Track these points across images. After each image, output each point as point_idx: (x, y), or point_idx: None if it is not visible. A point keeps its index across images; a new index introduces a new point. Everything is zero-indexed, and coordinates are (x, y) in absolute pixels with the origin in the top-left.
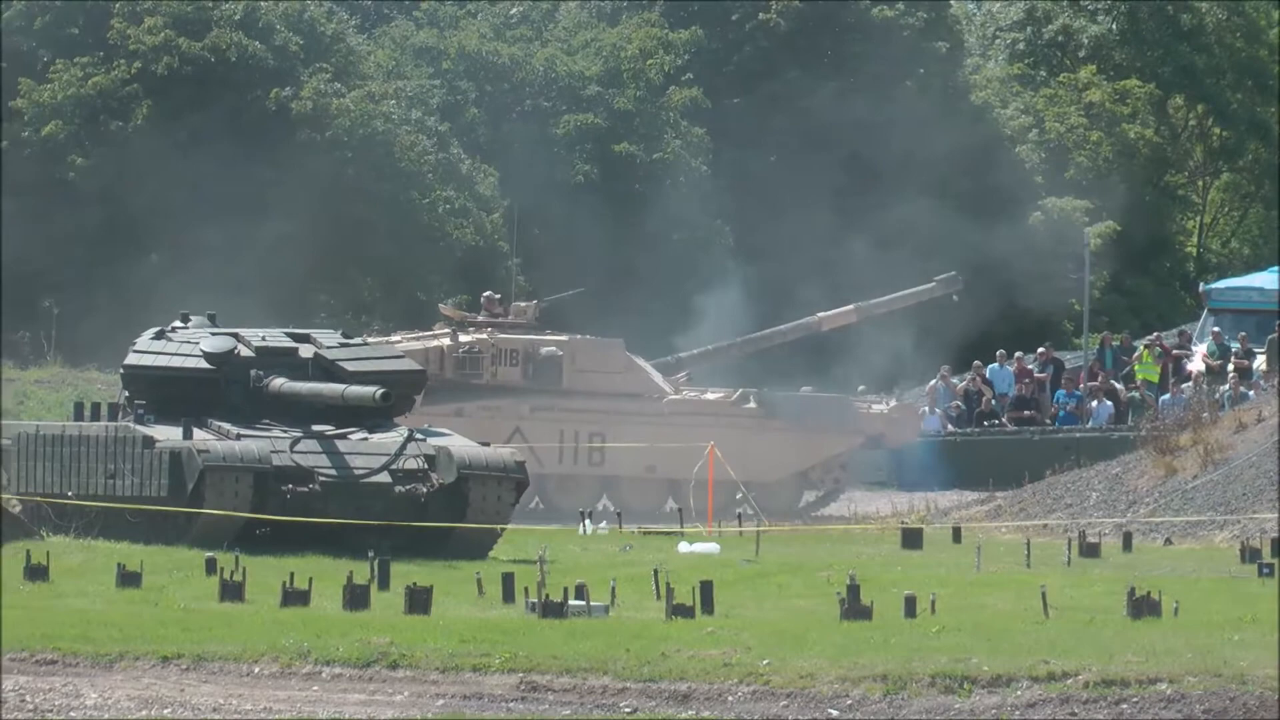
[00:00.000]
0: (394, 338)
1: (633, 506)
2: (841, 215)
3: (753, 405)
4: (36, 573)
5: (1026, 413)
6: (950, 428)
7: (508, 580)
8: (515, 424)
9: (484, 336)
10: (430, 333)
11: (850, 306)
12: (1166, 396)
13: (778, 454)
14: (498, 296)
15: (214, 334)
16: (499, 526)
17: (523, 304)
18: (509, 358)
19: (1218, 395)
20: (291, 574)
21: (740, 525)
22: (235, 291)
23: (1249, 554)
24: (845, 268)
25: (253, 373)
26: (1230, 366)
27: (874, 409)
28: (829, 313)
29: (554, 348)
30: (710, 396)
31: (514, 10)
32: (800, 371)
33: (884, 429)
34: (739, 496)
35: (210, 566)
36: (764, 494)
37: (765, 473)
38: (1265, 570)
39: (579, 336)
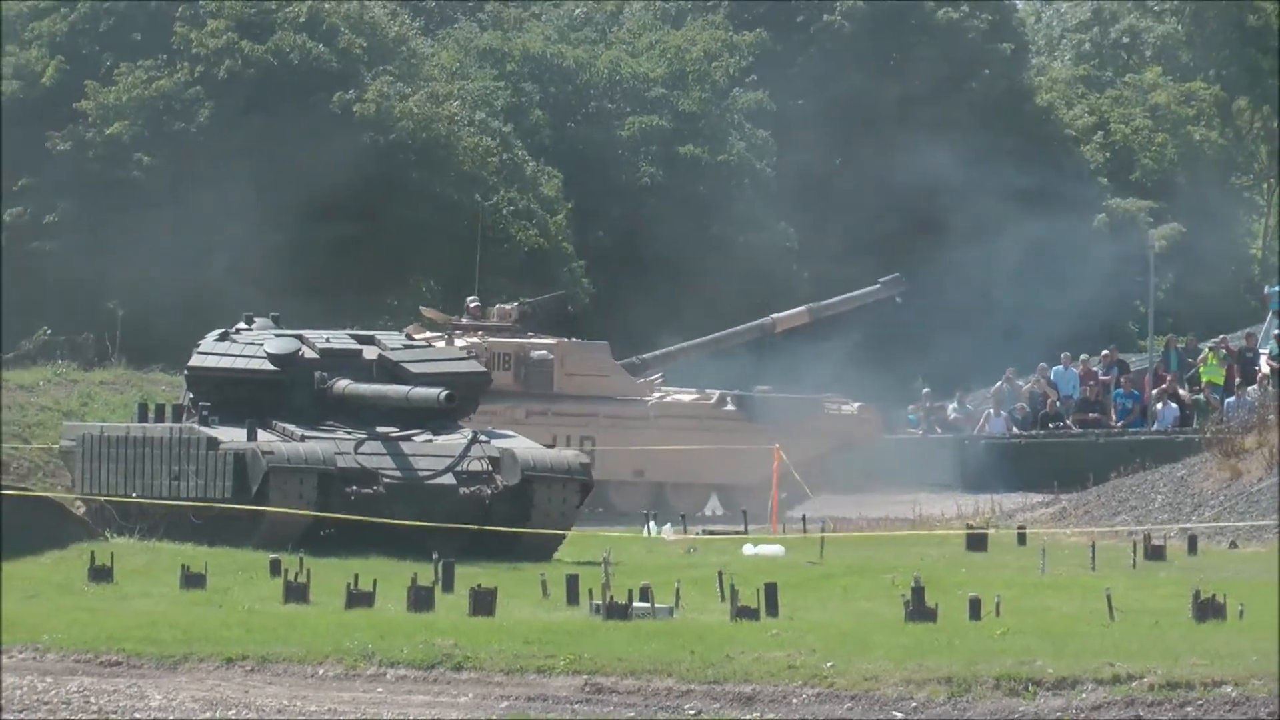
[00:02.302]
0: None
1: (621, 509)
2: (906, 217)
3: (731, 407)
4: (101, 574)
5: (1091, 415)
6: (1015, 430)
7: (572, 582)
8: (510, 429)
9: (476, 340)
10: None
11: (803, 308)
12: (1232, 399)
13: (756, 456)
14: (476, 302)
15: (278, 335)
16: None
17: (506, 306)
18: (501, 361)
19: None
20: (356, 575)
21: (805, 527)
22: (299, 293)
23: None
24: (909, 269)
25: (317, 374)
26: None
27: (843, 410)
28: (783, 314)
29: (545, 351)
30: (686, 398)
31: (578, 12)
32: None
33: (852, 430)
34: (710, 504)
35: (274, 568)
36: (744, 497)
37: (744, 475)
38: None
39: (567, 340)
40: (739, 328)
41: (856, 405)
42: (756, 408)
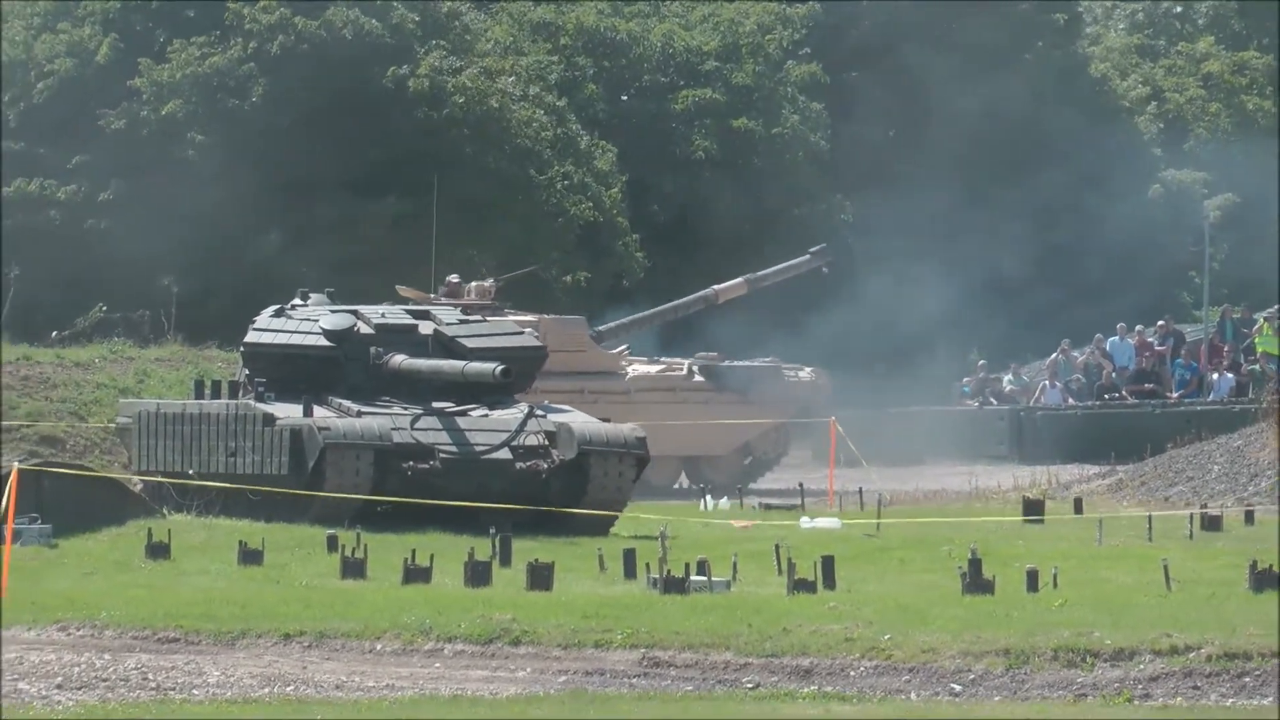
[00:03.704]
0: None
1: None
2: (961, 188)
3: (699, 378)
4: (158, 551)
5: (1147, 386)
6: (1071, 401)
7: (629, 556)
8: None
9: None
10: None
11: (740, 279)
12: None
13: (725, 426)
14: (456, 280)
15: (334, 311)
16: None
17: (485, 283)
18: None
19: None
20: (413, 551)
21: (861, 500)
22: (354, 269)
23: None
24: (964, 241)
25: (372, 350)
26: None
27: (799, 376)
28: (723, 285)
29: (528, 328)
30: (654, 369)
31: None
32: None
33: (809, 395)
34: (681, 476)
35: (331, 544)
36: (712, 467)
37: (715, 445)
38: None
39: (546, 316)
40: (685, 299)
41: (809, 370)
42: (723, 377)
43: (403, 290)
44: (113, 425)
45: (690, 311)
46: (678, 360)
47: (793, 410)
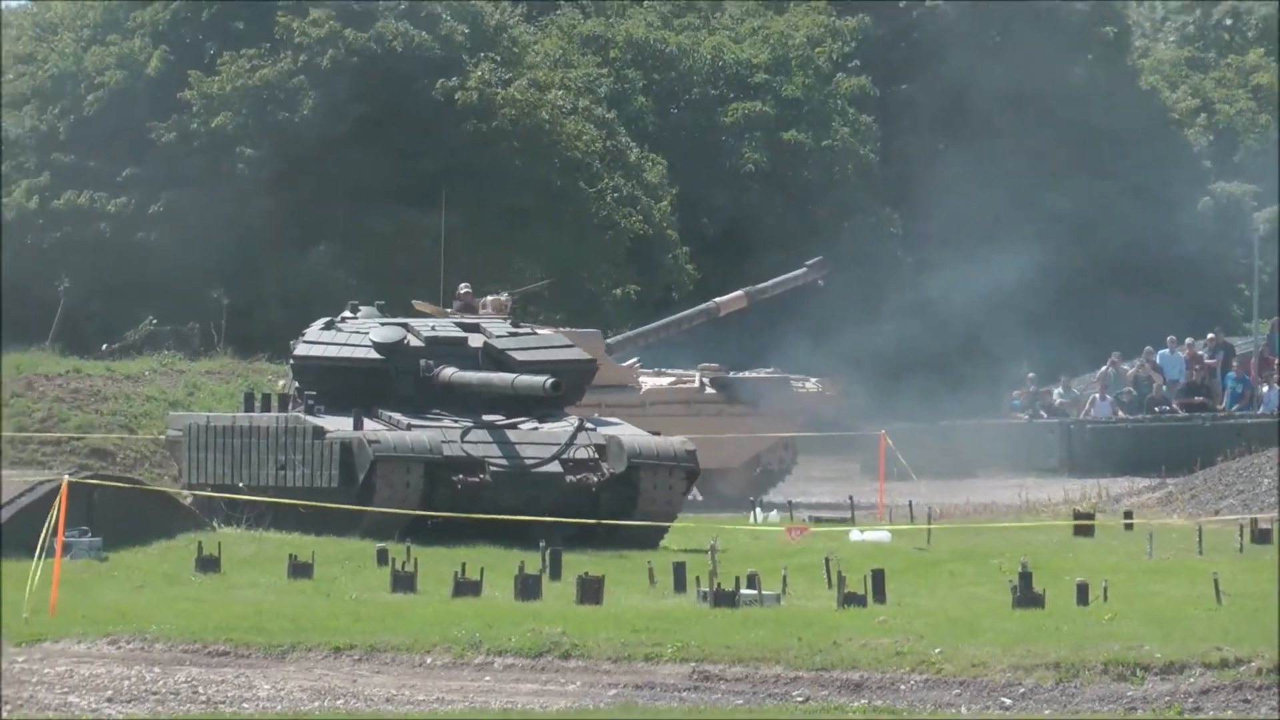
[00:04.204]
0: None
1: None
2: (1010, 200)
3: (711, 391)
4: (208, 564)
5: (1197, 399)
6: (1121, 414)
7: (679, 570)
8: None
9: None
10: None
11: (740, 292)
12: None
13: (738, 438)
14: (468, 290)
15: (383, 324)
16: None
17: (502, 297)
18: None
19: None
20: (463, 564)
21: (911, 513)
22: (404, 281)
23: None
24: (1013, 253)
25: (422, 362)
26: None
27: (807, 387)
28: (724, 298)
29: None
30: (665, 382)
31: None
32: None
33: (818, 406)
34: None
35: (381, 557)
36: (724, 480)
37: (729, 458)
38: None
39: (564, 329)
40: (687, 312)
41: (815, 381)
42: (735, 389)
43: (419, 304)
44: (162, 438)
45: (694, 324)
46: (688, 373)
47: (801, 421)
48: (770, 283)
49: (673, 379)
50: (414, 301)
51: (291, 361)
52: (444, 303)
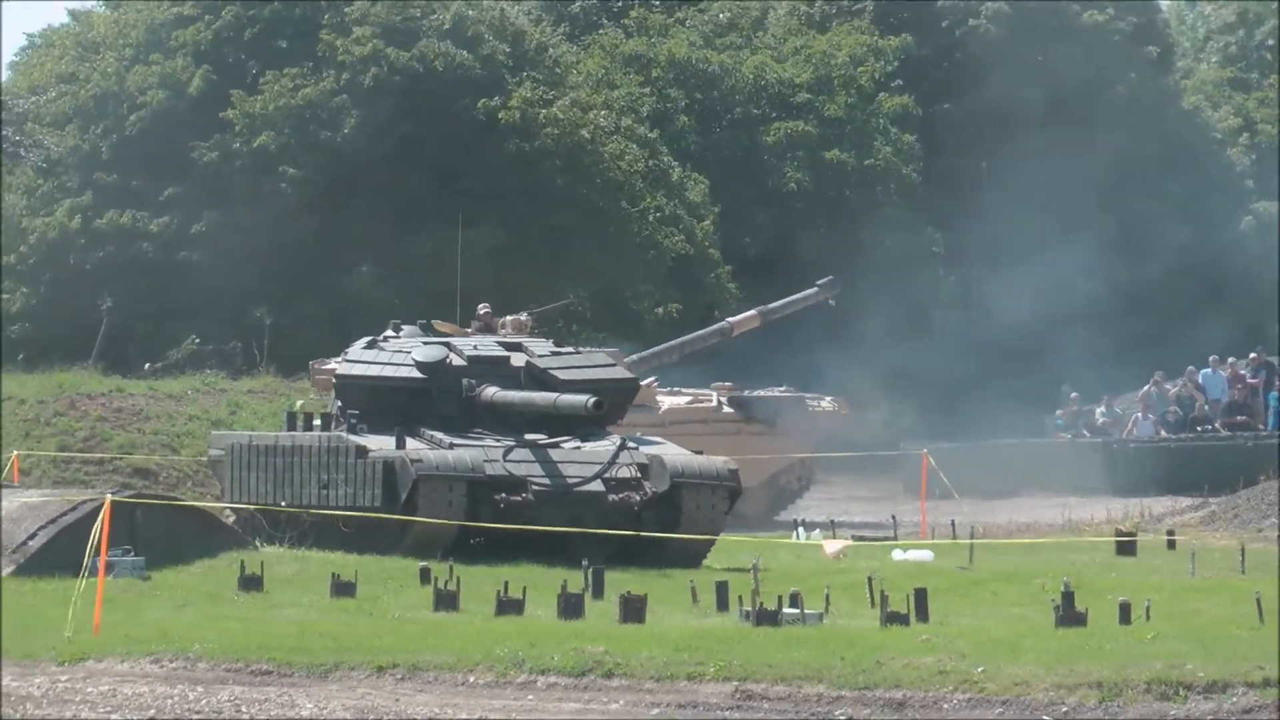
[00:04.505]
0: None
1: None
2: (1052, 220)
3: (729, 410)
4: (251, 583)
5: (1239, 418)
6: (1163, 434)
7: (722, 589)
8: None
9: None
10: None
11: (754, 311)
12: None
13: (757, 457)
14: (487, 310)
15: (426, 343)
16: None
17: (521, 317)
18: None
19: None
20: (505, 583)
21: (954, 532)
22: (446, 301)
23: None
24: (1055, 272)
25: (465, 382)
26: None
27: (821, 406)
28: (737, 318)
29: None
30: (683, 401)
31: (723, 17)
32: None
33: (832, 424)
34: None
35: (424, 576)
36: (744, 499)
37: (748, 477)
38: None
39: (583, 349)
40: (701, 331)
41: (829, 400)
42: (752, 408)
43: (439, 325)
44: (205, 458)
45: (708, 344)
46: (703, 392)
47: (817, 441)
48: (782, 302)
49: (689, 398)
50: (434, 322)
51: (334, 380)
52: (462, 322)
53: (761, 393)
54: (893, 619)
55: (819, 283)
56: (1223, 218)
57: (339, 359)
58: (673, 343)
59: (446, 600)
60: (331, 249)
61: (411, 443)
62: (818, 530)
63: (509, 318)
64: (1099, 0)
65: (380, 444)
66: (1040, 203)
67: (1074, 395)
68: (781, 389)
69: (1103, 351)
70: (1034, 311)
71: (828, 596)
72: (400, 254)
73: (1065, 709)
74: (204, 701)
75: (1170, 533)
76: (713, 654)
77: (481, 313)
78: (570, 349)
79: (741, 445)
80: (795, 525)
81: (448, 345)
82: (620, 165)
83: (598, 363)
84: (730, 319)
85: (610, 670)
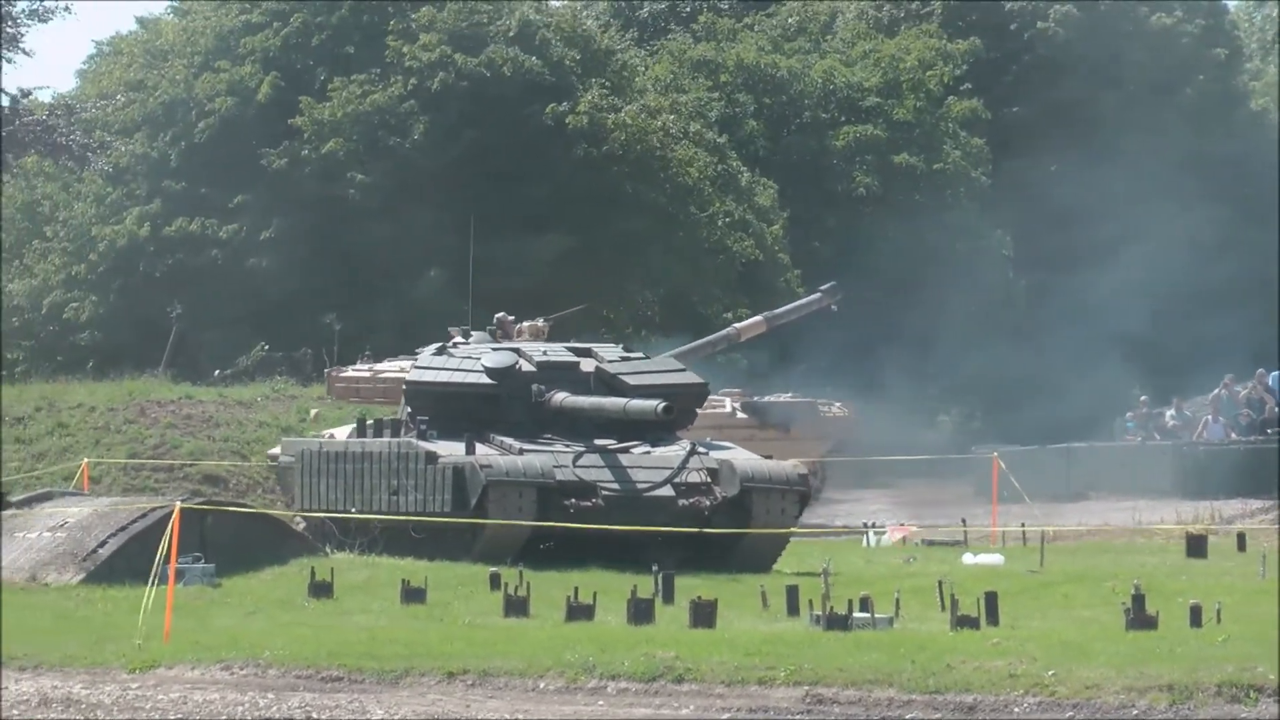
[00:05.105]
0: (399, 361)
1: None
2: (1122, 222)
3: (742, 415)
4: (321, 589)
5: None
6: (1234, 436)
7: (792, 593)
8: None
9: None
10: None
11: (760, 317)
12: None
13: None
14: (510, 318)
15: (495, 349)
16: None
17: (539, 323)
18: None
19: None
20: (575, 589)
21: (1024, 535)
22: (515, 307)
23: None
24: (1126, 275)
25: (534, 387)
26: None
27: (833, 411)
28: (743, 323)
29: None
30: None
31: (791, 21)
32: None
33: (843, 430)
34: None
35: (494, 582)
36: None
37: None
38: None
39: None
40: (711, 337)
41: (839, 405)
42: (766, 413)
43: (455, 331)
44: (271, 463)
45: (716, 350)
46: (716, 398)
47: (829, 445)
48: (786, 308)
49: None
50: (450, 328)
51: (404, 387)
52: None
53: (769, 398)
54: (963, 622)
55: (821, 289)
56: None
57: (355, 367)
58: (684, 348)
59: (517, 606)
60: (400, 255)
61: (481, 448)
62: (887, 534)
63: (525, 324)
64: (1167, 1)
65: (450, 450)
66: (1109, 205)
67: (1144, 398)
68: (788, 395)
69: (1173, 354)
70: (1104, 314)
71: (898, 600)
72: (468, 259)
73: (1136, 712)
74: (274, 708)
75: (1241, 535)
76: (783, 658)
77: (498, 319)
78: (639, 354)
79: (755, 450)
80: (865, 529)
81: (517, 351)
82: (689, 170)
83: (667, 367)
84: (737, 325)
85: (681, 675)
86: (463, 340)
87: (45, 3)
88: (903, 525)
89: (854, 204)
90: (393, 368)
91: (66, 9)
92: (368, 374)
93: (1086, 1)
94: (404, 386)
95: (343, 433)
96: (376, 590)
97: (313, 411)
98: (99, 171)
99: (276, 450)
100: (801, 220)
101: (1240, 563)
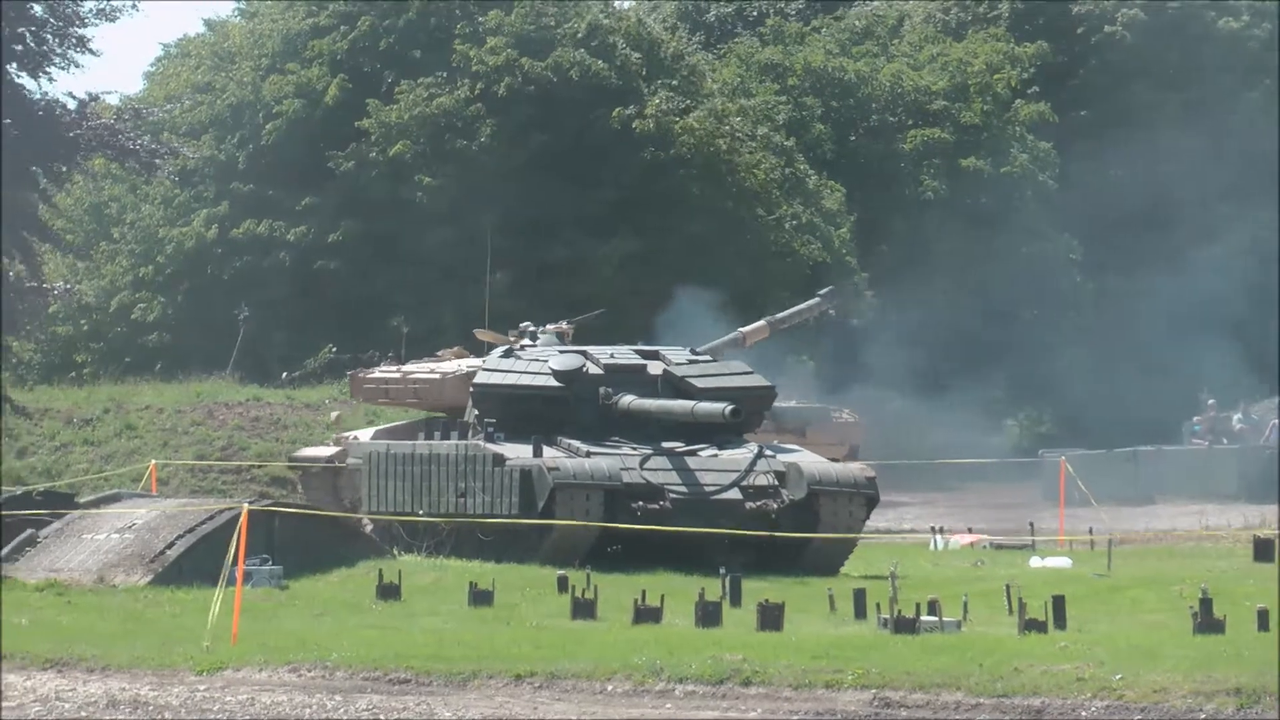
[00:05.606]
0: (420, 364)
1: None
2: (1189, 226)
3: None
4: (389, 592)
5: None
6: None
7: (859, 596)
8: None
9: None
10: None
11: (763, 322)
12: None
13: None
14: (531, 327)
15: (562, 352)
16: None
17: (563, 325)
18: None
19: None
20: (643, 591)
21: (1092, 539)
22: (582, 309)
23: None
24: (1194, 278)
25: (601, 390)
26: None
27: (844, 418)
28: (749, 328)
29: None
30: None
31: (859, 25)
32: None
33: (853, 436)
34: None
35: (562, 584)
36: None
37: None
38: None
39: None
40: (716, 342)
41: (848, 411)
42: (783, 418)
43: (480, 334)
44: (295, 466)
45: (723, 355)
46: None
47: (843, 451)
48: (788, 312)
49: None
50: (476, 331)
51: (472, 389)
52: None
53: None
54: (1031, 626)
55: (820, 293)
56: None
57: (382, 369)
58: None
59: (584, 608)
60: (466, 257)
61: (549, 451)
62: (955, 538)
63: (549, 326)
64: (1235, 3)
65: (517, 452)
66: (1176, 209)
67: (1211, 402)
68: (793, 401)
69: (1240, 358)
70: (1171, 317)
71: (966, 604)
72: (535, 262)
73: (1203, 715)
74: (342, 710)
75: None
76: (851, 661)
77: (522, 326)
78: (707, 356)
79: None
80: (933, 532)
81: (584, 354)
82: (756, 173)
83: (735, 370)
84: (742, 329)
85: (748, 678)
86: (530, 343)
87: (113, 1)
88: (971, 531)
89: (921, 207)
90: (422, 369)
91: (134, 6)
92: (397, 375)
93: (1154, 4)
94: (471, 389)
95: (366, 435)
96: (444, 593)
97: (333, 414)
98: (166, 177)
99: (303, 451)
100: (868, 223)
101: None
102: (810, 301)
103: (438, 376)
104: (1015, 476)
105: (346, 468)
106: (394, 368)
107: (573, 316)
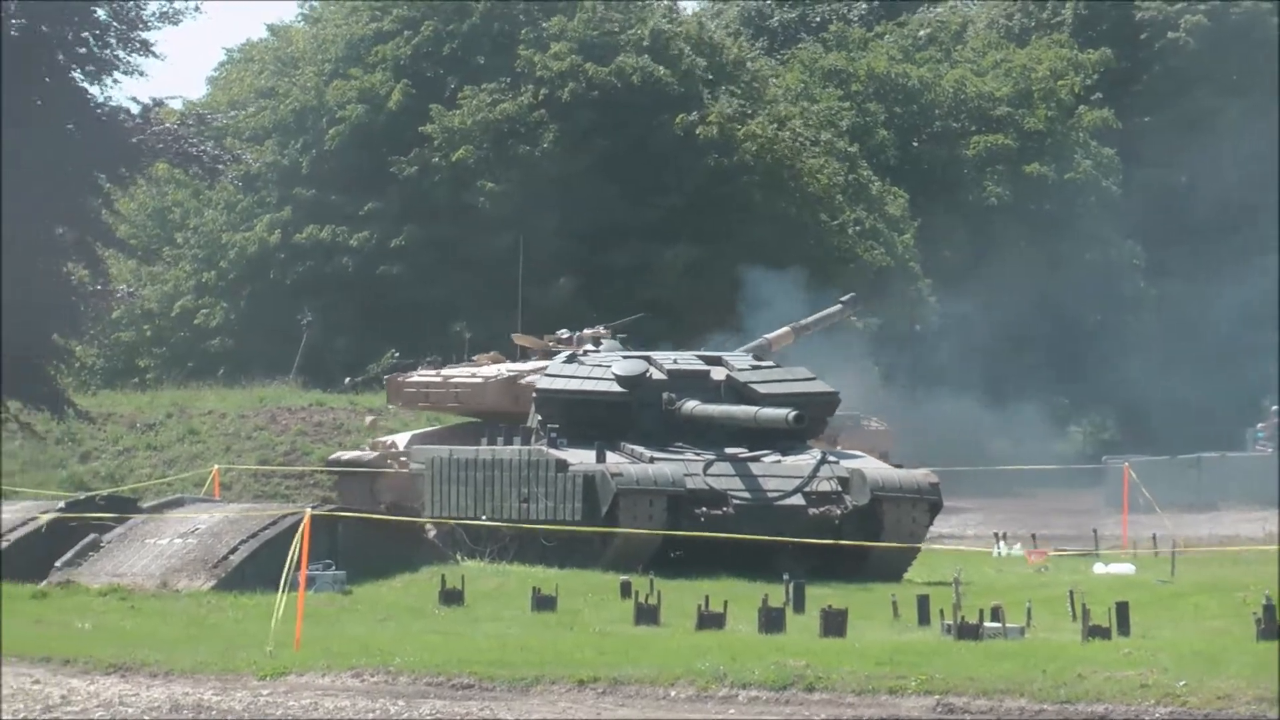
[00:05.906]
0: (458, 369)
1: None
2: (1252, 232)
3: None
4: (452, 597)
5: None
6: None
7: (923, 602)
8: None
9: None
10: (475, 363)
11: (787, 328)
12: None
13: None
14: (566, 334)
15: (626, 357)
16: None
17: (600, 330)
18: None
19: None
20: (706, 597)
21: (1155, 545)
22: (645, 314)
23: None
24: (1258, 284)
25: (665, 395)
26: None
27: (873, 425)
28: (774, 334)
29: None
30: None
31: (922, 32)
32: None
33: (882, 443)
34: None
35: (625, 590)
36: None
37: None
38: None
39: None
40: (744, 347)
41: (875, 419)
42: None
43: (519, 339)
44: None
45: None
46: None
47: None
48: (812, 318)
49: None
50: (514, 336)
51: (535, 394)
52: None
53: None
54: (1094, 632)
55: (841, 300)
56: None
57: (420, 373)
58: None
59: (647, 614)
60: (529, 262)
61: (612, 456)
62: (1019, 544)
63: (587, 331)
64: None
65: (581, 458)
66: (1239, 215)
67: (1275, 408)
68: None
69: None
70: (1234, 323)
71: (1029, 610)
72: (598, 267)
73: None
74: (405, 715)
75: None
76: (914, 668)
77: (558, 333)
78: (770, 362)
79: None
80: (996, 539)
81: (647, 360)
82: (819, 179)
83: (798, 376)
84: (768, 335)
85: (812, 684)
86: (594, 348)
87: (175, 4)
88: (1038, 549)
89: (985, 213)
90: (463, 373)
91: (196, 9)
92: (438, 379)
93: (1218, 4)
94: (534, 394)
95: (403, 440)
96: (507, 598)
97: (368, 419)
98: (229, 182)
99: (339, 454)
100: (932, 229)
101: None
102: (833, 308)
103: (480, 380)
104: (1079, 483)
105: (382, 471)
106: (433, 372)
107: (635, 322)
